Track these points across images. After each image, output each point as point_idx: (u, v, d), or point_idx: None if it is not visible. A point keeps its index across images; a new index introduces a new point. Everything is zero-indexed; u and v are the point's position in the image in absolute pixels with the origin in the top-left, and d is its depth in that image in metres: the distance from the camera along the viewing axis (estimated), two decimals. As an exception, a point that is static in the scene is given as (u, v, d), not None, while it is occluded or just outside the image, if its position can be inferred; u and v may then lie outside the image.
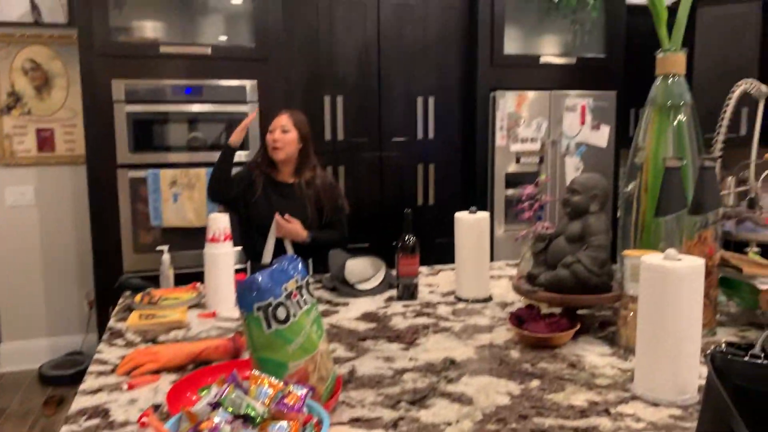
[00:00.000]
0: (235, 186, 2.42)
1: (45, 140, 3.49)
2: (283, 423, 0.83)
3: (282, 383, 0.91)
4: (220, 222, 1.83)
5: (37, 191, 3.50)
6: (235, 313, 1.76)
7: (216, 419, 0.81)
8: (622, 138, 3.86)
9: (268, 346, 1.01)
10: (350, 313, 1.74)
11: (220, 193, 2.42)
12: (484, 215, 1.85)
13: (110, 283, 2.82)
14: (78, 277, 3.59)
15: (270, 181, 2.43)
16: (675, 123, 1.60)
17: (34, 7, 3.40)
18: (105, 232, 3.04)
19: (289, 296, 1.04)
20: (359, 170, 3.53)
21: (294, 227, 2.34)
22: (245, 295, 1.00)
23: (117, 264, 3.04)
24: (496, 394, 1.18)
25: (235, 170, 2.47)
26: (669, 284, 1.12)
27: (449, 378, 1.26)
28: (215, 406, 0.85)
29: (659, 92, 1.62)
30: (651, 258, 1.17)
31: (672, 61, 1.61)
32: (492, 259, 2.25)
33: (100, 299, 3.04)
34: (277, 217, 2.33)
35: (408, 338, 1.52)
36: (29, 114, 3.47)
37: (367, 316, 1.71)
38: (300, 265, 1.09)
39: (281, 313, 1.01)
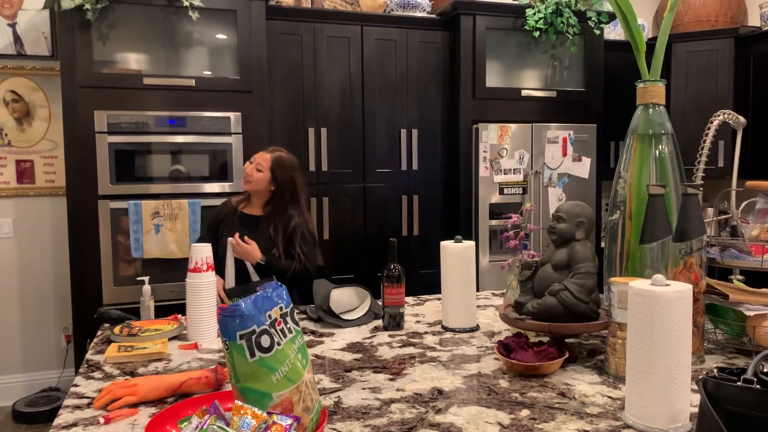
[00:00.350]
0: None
1: (24, 171, 3.44)
2: (268, 455, 0.79)
3: (266, 414, 0.87)
4: (203, 252, 1.80)
5: (16, 223, 3.43)
6: (218, 344, 1.72)
7: (197, 451, 0.78)
8: (603, 169, 3.92)
9: (251, 376, 0.98)
10: (336, 344, 1.71)
11: None
12: (469, 244, 1.84)
13: (89, 317, 2.76)
14: (56, 310, 3.50)
15: (238, 214, 2.49)
16: (657, 151, 1.62)
17: (17, 39, 3.39)
18: (84, 264, 2.98)
19: (273, 324, 1.01)
20: (343, 201, 3.53)
21: (249, 248, 2.32)
22: (227, 323, 0.97)
23: (96, 297, 2.97)
24: (486, 424, 1.16)
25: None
26: (658, 309, 1.11)
27: (437, 408, 1.24)
28: (197, 437, 0.82)
29: (641, 121, 1.65)
30: (639, 284, 1.17)
31: (652, 91, 1.64)
32: (477, 289, 2.24)
33: (77, 333, 2.96)
34: (230, 240, 2.33)
35: (395, 368, 1.49)
36: (9, 145, 3.42)
37: (352, 347, 1.68)
38: (284, 293, 1.07)
39: (265, 341, 0.98)
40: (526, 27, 3.65)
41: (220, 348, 1.68)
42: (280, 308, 1.04)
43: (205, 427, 0.82)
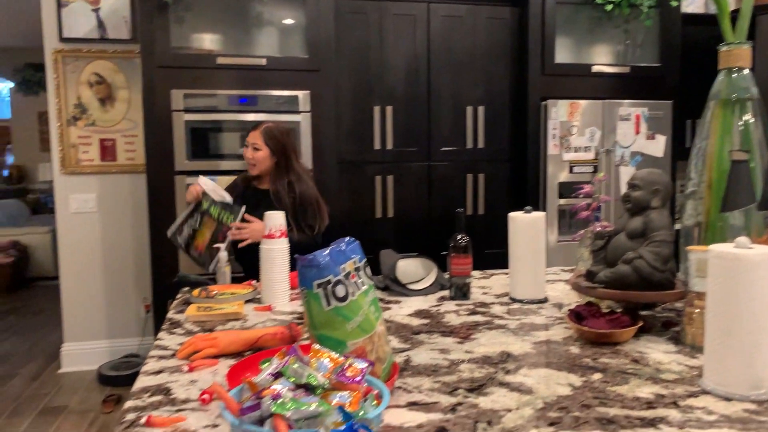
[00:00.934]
0: None
1: (107, 149, 3.63)
2: (345, 393, 0.82)
3: (342, 357, 0.91)
4: (276, 219, 1.86)
5: (99, 198, 3.64)
6: (290, 306, 1.78)
7: (278, 386, 0.82)
8: (678, 149, 3.75)
9: (327, 324, 1.01)
10: (403, 310, 1.73)
11: None
12: (539, 215, 1.82)
13: (167, 288, 2.90)
14: (135, 281, 3.70)
15: (250, 189, 2.56)
16: (740, 117, 1.54)
17: (100, 24, 3.58)
18: (163, 238, 3.12)
19: (347, 276, 1.04)
20: (408, 180, 3.54)
21: (253, 226, 2.32)
22: (305, 273, 1.01)
23: (173, 269, 3.11)
24: (557, 385, 1.15)
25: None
26: (741, 272, 1.07)
27: (507, 369, 1.24)
28: (277, 376, 0.86)
29: (723, 86, 1.58)
30: (720, 247, 1.13)
31: (736, 54, 1.56)
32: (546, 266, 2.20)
33: (156, 304, 3.12)
34: (230, 232, 2.31)
35: (462, 333, 1.50)
36: (93, 125, 3.62)
37: (419, 313, 1.70)
38: (358, 247, 1.10)
39: (340, 290, 1.02)
40: (597, 1, 3.53)
41: (293, 310, 1.74)
42: (354, 262, 1.07)
43: (285, 365, 0.86)
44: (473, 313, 1.69)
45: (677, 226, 1.60)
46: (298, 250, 2.31)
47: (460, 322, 1.60)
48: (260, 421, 0.78)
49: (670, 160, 3.65)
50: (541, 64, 3.55)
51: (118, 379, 3.28)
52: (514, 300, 1.82)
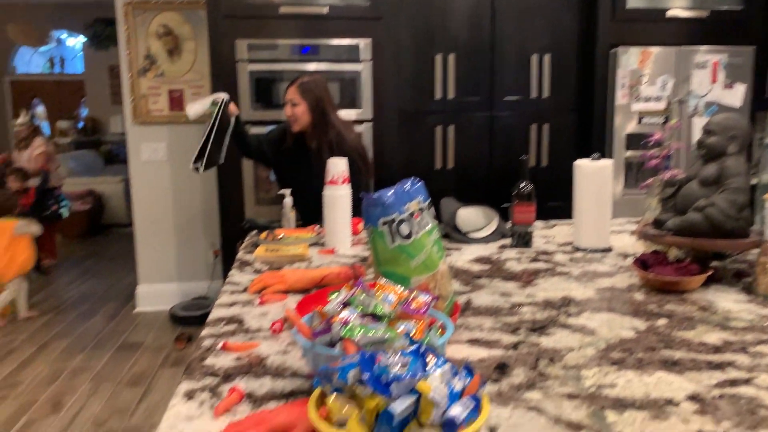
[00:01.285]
0: (254, 148, 2.63)
1: (175, 100, 3.75)
2: (410, 322, 0.85)
3: (407, 291, 0.93)
4: (339, 165, 1.89)
5: (169, 147, 3.78)
6: (353, 250, 1.82)
7: (346, 314, 0.85)
8: (759, 99, 3.53)
9: (391, 260, 1.04)
10: (463, 257, 1.74)
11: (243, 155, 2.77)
12: (607, 162, 1.78)
13: (234, 235, 3.02)
14: (204, 228, 3.86)
15: (298, 142, 2.53)
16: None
17: (167, -24, 3.64)
18: (230, 186, 3.23)
19: (411, 215, 1.06)
20: (469, 130, 3.49)
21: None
22: (371, 211, 1.04)
23: (240, 216, 3.23)
24: (620, 328, 1.15)
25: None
26: (823, 217, 1.02)
27: (569, 313, 1.24)
28: (345, 305, 0.90)
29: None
30: (802, 191, 1.08)
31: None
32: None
33: (225, 249, 3.26)
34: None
35: (524, 279, 1.50)
36: (162, 76, 3.73)
37: (480, 259, 1.71)
38: (422, 188, 1.11)
39: (404, 228, 1.04)
40: (677, -62, 3.31)
41: (355, 254, 1.78)
42: (418, 202, 1.09)
43: (353, 296, 0.90)
44: (535, 260, 1.69)
45: (753, 181, 1.53)
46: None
47: (521, 268, 1.60)
48: (330, 345, 0.82)
49: (748, 110, 3.45)
50: (612, 9, 3.39)
51: (188, 319, 3.47)
52: (577, 249, 1.80)
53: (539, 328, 1.15)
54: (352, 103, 3.26)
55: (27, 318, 3.74)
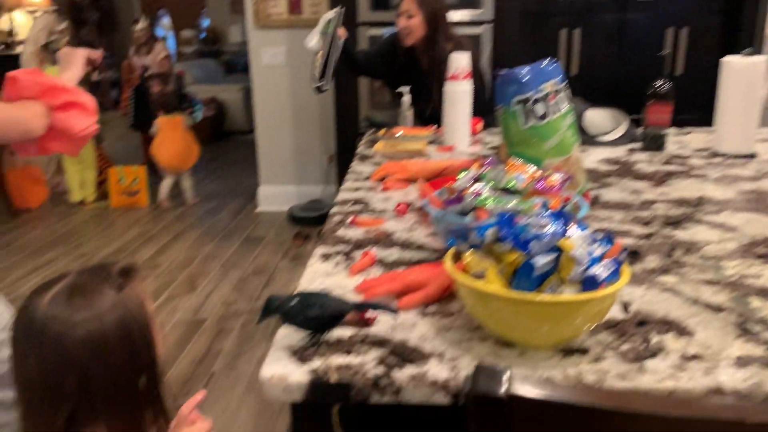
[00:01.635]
0: (363, 66, 2.63)
1: (294, 3, 3.77)
2: (544, 199, 0.84)
3: (540, 171, 0.91)
4: (461, 61, 1.84)
5: (288, 52, 3.84)
6: (472, 149, 1.80)
7: (478, 186, 0.86)
8: None
9: (524, 142, 1.02)
10: (590, 157, 1.67)
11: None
12: (760, 59, 1.60)
13: (348, 141, 3.09)
14: (320, 133, 3.96)
15: (409, 59, 2.43)
16: None
17: None
18: (346, 90, 3.27)
19: (546, 97, 1.02)
20: (597, 34, 3.25)
21: None
22: (504, 89, 1.01)
23: (355, 122, 3.28)
24: (765, 228, 1.07)
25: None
26: None
27: (706, 211, 1.17)
28: (476, 180, 0.89)
29: None
30: None
31: None
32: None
33: (339, 155, 3.34)
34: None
35: (656, 179, 1.42)
36: (281, -22, 3.75)
37: (608, 161, 1.63)
38: (559, 69, 1.06)
39: (539, 109, 1.00)
40: None
41: (474, 152, 1.77)
42: (554, 83, 1.04)
43: (483, 173, 0.89)
44: (668, 163, 1.59)
45: None
46: None
47: (653, 169, 1.52)
48: (462, 214, 0.83)
49: None
50: None
51: (305, 219, 3.65)
52: (717, 154, 1.67)
53: (674, 222, 1.10)
54: (472, 3, 3.12)
55: (194, 203, 4.29)
